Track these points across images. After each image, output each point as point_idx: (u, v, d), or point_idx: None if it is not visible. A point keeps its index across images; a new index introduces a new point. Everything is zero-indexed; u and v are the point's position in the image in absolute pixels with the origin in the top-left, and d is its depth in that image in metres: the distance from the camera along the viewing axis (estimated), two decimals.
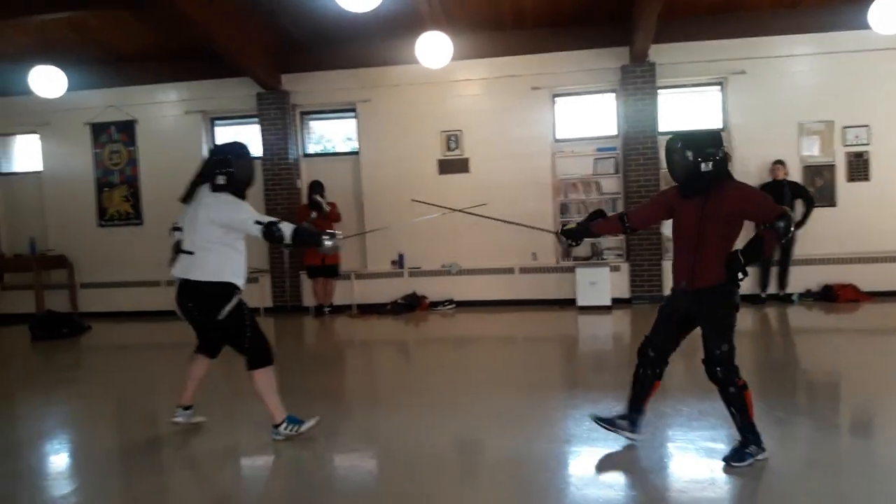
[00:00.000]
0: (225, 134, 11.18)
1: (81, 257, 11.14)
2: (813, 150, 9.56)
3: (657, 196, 4.18)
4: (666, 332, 3.87)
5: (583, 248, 10.06)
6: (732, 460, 3.60)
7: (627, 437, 4.00)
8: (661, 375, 3.94)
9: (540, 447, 4.09)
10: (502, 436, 4.37)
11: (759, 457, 3.62)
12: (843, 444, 4.17)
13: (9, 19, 8.97)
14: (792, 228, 3.44)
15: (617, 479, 3.71)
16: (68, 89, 9.16)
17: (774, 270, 9.36)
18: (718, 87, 9.90)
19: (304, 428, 4.36)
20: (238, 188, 4.26)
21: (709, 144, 3.67)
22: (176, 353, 7.78)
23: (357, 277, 10.44)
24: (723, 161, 3.67)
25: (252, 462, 4.30)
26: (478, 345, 7.98)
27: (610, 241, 10.02)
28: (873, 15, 7.58)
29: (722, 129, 9.77)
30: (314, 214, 9.62)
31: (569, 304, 9.71)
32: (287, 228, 4.11)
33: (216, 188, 4.20)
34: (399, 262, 10.44)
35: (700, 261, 3.63)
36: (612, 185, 10.09)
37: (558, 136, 10.25)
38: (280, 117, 10.48)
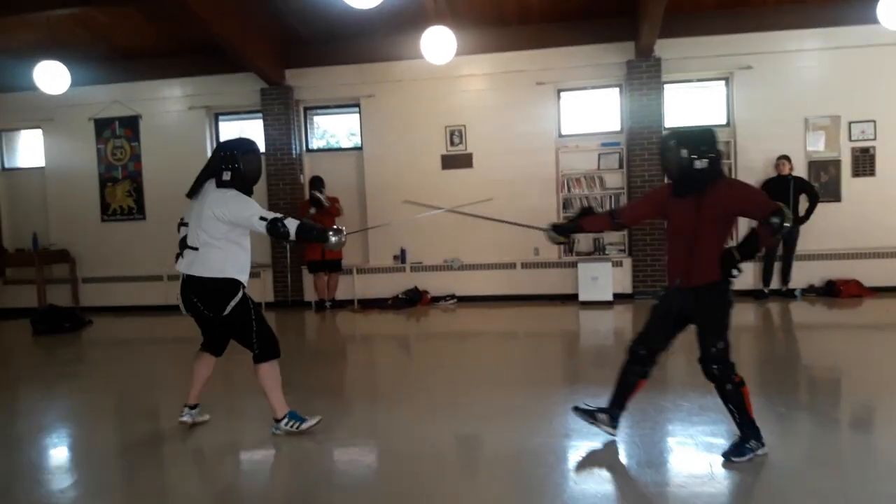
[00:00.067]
0: (229, 129, 11.19)
1: (84, 252, 11.18)
2: (818, 145, 9.51)
3: (649, 193, 4.19)
4: (658, 331, 3.86)
5: (584, 244, 10.08)
6: (732, 455, 3.59)
7: (605, 432, 4.00)
8: (648, 374, 3.94)
9: (539, 442, 4.07)
10: (502, 430, 4.35)
11: (759, 452, 3.60)
12: (844, 440, 4.15)
13: (16, 14, 8.97)
14: (786, 224, 3.41)
15: (616, 473, 3.70)
16: (72, 85, 9.19)
17: (777, 266, 9.32)
18: (724, 83, 9.85)
19: (304, 426, 4.35)
20: (244, 184, 4.24)
21: (703, 142, 3.66)
22: (177, 347, 7.83)
23: (359, 272, 10.43)
24: (716, 159, 3.65)
25: (252, 456, 4.30)
26: (479, 340, 7.96)
27: (612, 237, 10.00)
28: (882, 10, 7.51)
29: (727, 125, 9.74)
30: (312, 210, 9.60)
31: (571, 299, 9.69)
32: (292, 225, 4.09)
33: (222, 184, 4.18)
34: (401, 257, 10.44)
35: (695, 258, 3.62)
36: (616, 180, 10.06)
37: (563, 132, 10.21)
38: (283, 112, 10.47)
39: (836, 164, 9.47)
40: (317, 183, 9.92)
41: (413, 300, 10.04)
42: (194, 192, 4.30)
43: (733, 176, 9.60)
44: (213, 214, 4.11)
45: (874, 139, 9.38)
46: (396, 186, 10.11)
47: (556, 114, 10.18)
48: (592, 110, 10.28)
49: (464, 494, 3.50)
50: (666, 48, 9.49)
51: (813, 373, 5.91)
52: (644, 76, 9.59)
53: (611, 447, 3.94)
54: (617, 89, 10.05)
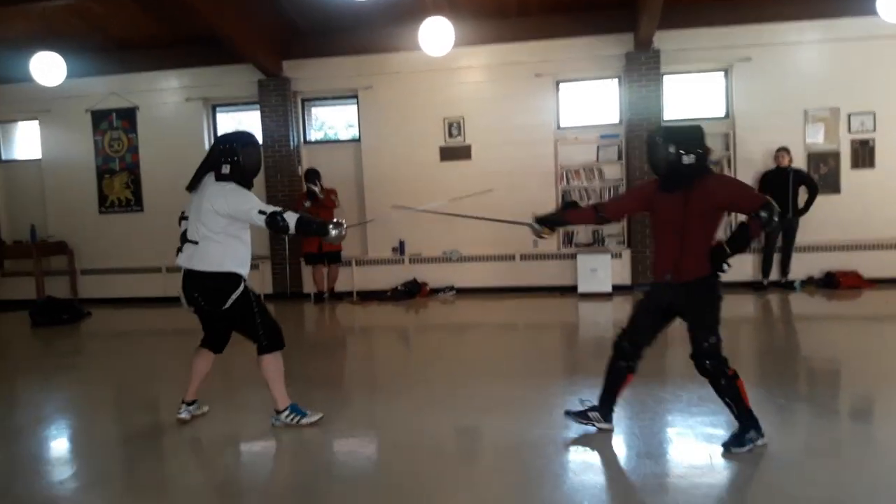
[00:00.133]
0: (226, 121, 11.15)
1: (82, 244, 11.15)
2: (818, 137, 9.49)
3: (635, 188, 4.21)
4: (644, 325, 3.87)
5: (584, 235, 10.07)
6: (732, 446, 3.60)
7: (601, 428, 3.99)
8: (635, 368, 3.93)
9: (538, 433, 4.08)
10: (501, 422, 4.35)
11: (759, 442, 3.60)
12: (843, 431, 4.15)
13: (11, 5, 8.90)
14: (775, 218, 3.43)
15: (615, 464, 3.70)
16: (69, 76, 9.12)
17: (777, 257, 9.32)
18: (723, 74, 9.82)
19: (305, 421, 4.35)
20: (243, 177, 4.21)
21: (690, 138, 3.67)
22: (176, 339, 7.82)
23: (357, 264, 10.42)
24: (704, 154, 3.65)
25: (251, 448, 4.30)
26: (478, 331, 7.96)
27: (611, 228, 9.98)
28: (881, 2, 7.51)
29: (726, 117, 9.73)
30: (307, 203, 9.54)
31: (570, 290, 9.69)
32: (291, 218, 4.06)
33: (221, 177, 4.15)
34: (400, 248, 10.42)
35: (685, 254, 3.62)
36: (614, 172, 10.04)
37: (561, 124, 10.19)
38: (281, 104, 10.43)
39: (836, 155, 9.46)
40: (311, 175, 9.86)
41: (412, 292, 10.03)
42: (194, 185, 4.28)
43: (732, 167, 9.61)
44: (212, 208, 4.09)
45: (873, 131, 9.36)
46: (394, 178, 10.09)
47: (555, 106, 10.15)
48: (591, 102, 10.25)
49: (463, 486, 3.50)
50: (665, 40, 9.45)
51: (812, 364, 5.92)
52: (643, 68, 9.56)
53: (610, 438, 3.95)
54: (616, 81, 10.02)
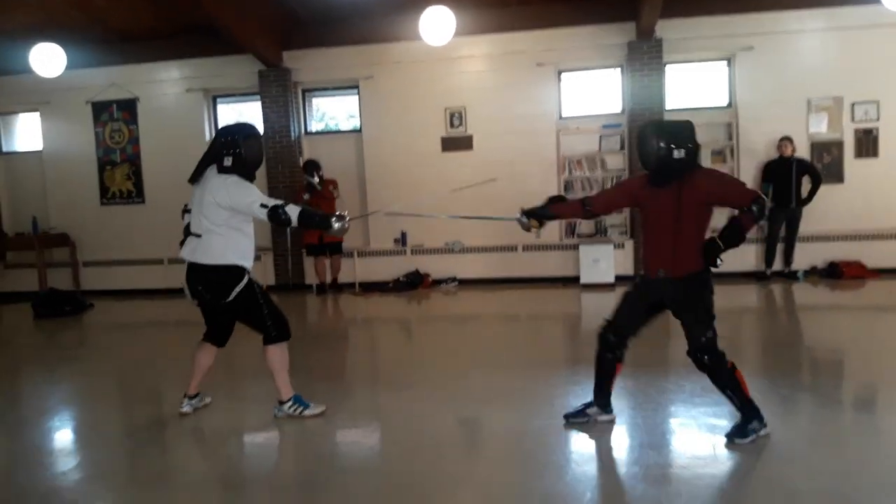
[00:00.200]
0: (227, 112, 11.12)
1: (83, 236, 11.14)
2: (821, 126, 9.44)
3: (624, 182, 4.19)
4: (628, 318, 3.86)
5: (586, 226, 10.05)
6: (735, 436, 3.59)
7: (602, 420, 3.98)
8: (623, 358, 3.93)
9: (541, 424, 4.07)
10: (503, 412, 4.35)
11: (762, 433, 3.60)
12: (847, 421, 4.15)
13: None
14: (766, 212, 3.45)
15: (618, 454, 3.70)
16: (69, 67, 9.10)
17: (780, 247, 9.29)
18: (726, 63, 9.76)
19: (307, 412, 4.35)
20: (245, 170, 4.19)
21: (681, 133, 3.65)
22: (178, 330, 7.83)
23: (360, 255, 10.41)
24: (694, 149, 3.63)
25: (254, 438, 4.30)
26: (480, 322, 7.96)
27: (614, 219, 9.96)
28: None
29: (728, 106, 9.68)
30: (306, 196, 9.49)
31: (572, 281, 9.67)
32: (293, 211, 4.04)
33: (223, 170, 4.13)
34: (402, 239, 10.40)
35: (678, 249, 3.60)
36: (617, 161, 10.01)
37: (563, 113, 10.14)
38: (282, 95, 10.38)
39: (839, 145, 9.41)
40: (310, 167, 9.82)
41: (414, 283, 10.02)
42: (196, 177, 4.25)
43: (735, 157, 9.58)
44: (213, 201, 4.07)
45: (877, 120, 9.30)
46: (396, 169, 10.07)
47: (557, 95, 10.10)
48: (593, 92, 10.19)
49: (465, 476, 3.49)
50: (667, 29, 9.38)
51: (815, 354, 5.92)
52: (645, 57, 9.49)
53: (613, 429, 3.95)
54: (618, 70, 9.96)
